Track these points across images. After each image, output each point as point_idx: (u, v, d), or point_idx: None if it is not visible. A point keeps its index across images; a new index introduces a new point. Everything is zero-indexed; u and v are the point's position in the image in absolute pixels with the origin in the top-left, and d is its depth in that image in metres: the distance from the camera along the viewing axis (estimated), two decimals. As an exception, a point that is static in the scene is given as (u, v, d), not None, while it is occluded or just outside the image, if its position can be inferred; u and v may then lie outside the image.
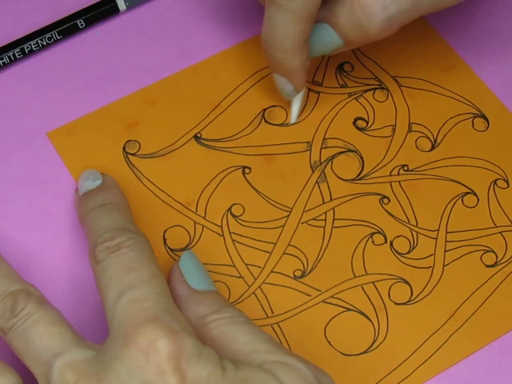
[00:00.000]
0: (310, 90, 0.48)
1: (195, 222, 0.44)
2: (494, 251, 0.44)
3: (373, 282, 0.43)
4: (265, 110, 0.47)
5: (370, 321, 0.42)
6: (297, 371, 0.35)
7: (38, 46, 0.47)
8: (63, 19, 0.48)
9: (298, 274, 0.43)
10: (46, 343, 0.35)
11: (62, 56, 0.48)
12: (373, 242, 0.44)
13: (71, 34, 0.48)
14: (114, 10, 0.49)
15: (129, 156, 0.45)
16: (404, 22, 0.42)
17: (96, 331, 0.41)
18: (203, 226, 0.44)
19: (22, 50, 0.47)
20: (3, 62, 0.47)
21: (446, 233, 0.44)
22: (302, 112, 0.47)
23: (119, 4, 0.49)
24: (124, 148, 0.46)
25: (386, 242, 0.44)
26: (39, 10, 0.49)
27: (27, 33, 0.48)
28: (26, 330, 0.36)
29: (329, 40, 0.43)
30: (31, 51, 0.47)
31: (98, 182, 0.43)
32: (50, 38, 0.48)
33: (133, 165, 0.45)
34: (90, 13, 0.48)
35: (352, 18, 0.41)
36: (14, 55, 0.47)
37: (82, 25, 0.48)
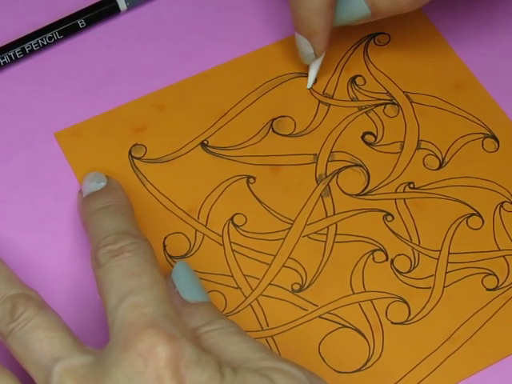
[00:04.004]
0: (320, 101, 0.47)
1: (196, 230, 0.44)
2: (495, 275, 0.43)
3: (371, 300, 0.42)
4: (273, 119, 0.47)
5: (366, 339, 0.42)
6: (292, 376, 0.35)
7: (39, 45, 0.47)
8: (64, 19, 0.48)
9: (296, 287, 0.43)
10: (46, 348, 0.35)
11: (62, 56, 0.48)
12: (373, 259, 0.43)
13: (72, 34, 0.48)
14: (114, 10, 0.49)
15: (134, 160, 0.45)
16: None
17: (97, 334, 0.41)
18: (204, 234, 0.44)
19: (23, 50, 0.47)
20: (4, 62, 0.47)
21: (449, 254, 0.44)
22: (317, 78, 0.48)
23: (120, 4, 0.49)
24: (130, 152, 0.45)
25: (386, 259, 0.43)
26: (40, 9, 0.49)
27: (28, 32, 0.48)
28: (26, 334, 0.36)
29: (356, 8, 0.43)
30: (32, 51, 0.47)
31: (102, 184, 0.42)
32: (50, 38, 0.48)
33: (138, 169, 0.45)
34: (91, 13, 0.48)
35: None
36: (14, 55, 0.47)
37: (82, 24, 0.48)
